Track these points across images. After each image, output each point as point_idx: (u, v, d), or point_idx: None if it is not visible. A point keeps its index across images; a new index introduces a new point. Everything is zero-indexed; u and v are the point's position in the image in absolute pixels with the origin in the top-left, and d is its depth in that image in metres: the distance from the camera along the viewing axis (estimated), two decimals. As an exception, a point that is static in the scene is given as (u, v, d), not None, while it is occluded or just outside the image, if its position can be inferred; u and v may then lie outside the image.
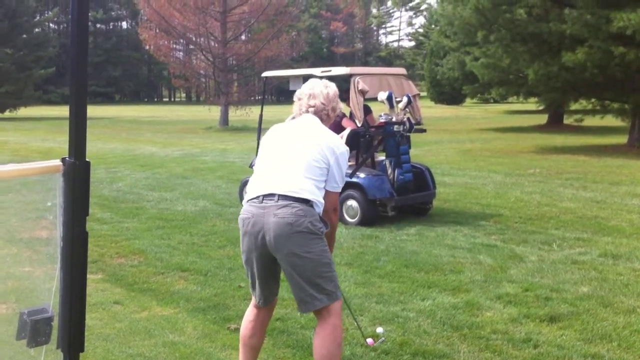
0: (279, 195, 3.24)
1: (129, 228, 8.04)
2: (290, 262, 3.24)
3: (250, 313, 3.59)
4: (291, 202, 3.22)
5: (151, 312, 4.99)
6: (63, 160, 1.61)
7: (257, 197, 3.31)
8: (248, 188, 3.46)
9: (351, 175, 7.97)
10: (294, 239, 3.19)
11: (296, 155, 3.35)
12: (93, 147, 19.84)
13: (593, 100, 20.29)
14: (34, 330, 1.65)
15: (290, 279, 3.31)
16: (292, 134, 3.48)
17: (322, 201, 3.35)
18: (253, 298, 3.56)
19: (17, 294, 4.60)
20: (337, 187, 3.45)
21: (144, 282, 5.78)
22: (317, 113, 3.51)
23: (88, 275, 1.76)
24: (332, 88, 3.60)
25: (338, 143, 3.45)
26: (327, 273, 3.29)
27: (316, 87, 3.56)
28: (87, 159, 1.63)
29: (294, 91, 3.66)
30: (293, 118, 3.60)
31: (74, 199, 1.58)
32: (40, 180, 1.75)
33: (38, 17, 56.94)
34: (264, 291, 3.47)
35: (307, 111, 3.52)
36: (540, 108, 28.31)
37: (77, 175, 1.58)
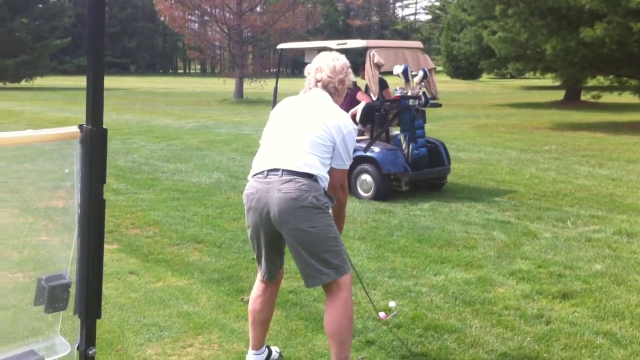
0: (283, 170, 3.21)
1: (144, 199, 8.09)
2: (295, 236, 3.20)
3: (257, 288, 3.58)
4: (295, 176, 3.19)
5: (166, 282, 5.04)
6: (80, 127, 1.61)
7: (262, 172, 3.29)
8: (253, 163, 3.44)
9: (365, 150, 7.96)
10: (298, 214, 3.16)
11: (301, 131, 3.31)
12: (108, 118, 19.73)
13: (611, 76, 20.07)
14: (52, 295, 1.66)
15: (295, 254, 3.27)
16: (299, 109, 3.44)
17: (327, 176, 3.31)
18: (259, 273, 3.56)
19: (34, 262, 4.63)
20: (344, 164, 3.40)
21: (159, 252, 5.83)
22: (325, 87, 3.45)
23: (104, 245, 1.77)
24: (340, 61, 3.51)
25: (346, 121, 3.38)
26: (334, 247, 3.25)
27: (323, 60, 3.49)
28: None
29: (309, 64, 3.62)
30: (305, 92, 3.56)
31: (91, 165, 1.58)
32: (57, 149, 1.75)
33: (54, -13, 56.87)
34: (269, 266, 3.47)
35: (316, 85, 3.47)
36: (557, 84, 28.03)
37: (95, 142, 1.58)
